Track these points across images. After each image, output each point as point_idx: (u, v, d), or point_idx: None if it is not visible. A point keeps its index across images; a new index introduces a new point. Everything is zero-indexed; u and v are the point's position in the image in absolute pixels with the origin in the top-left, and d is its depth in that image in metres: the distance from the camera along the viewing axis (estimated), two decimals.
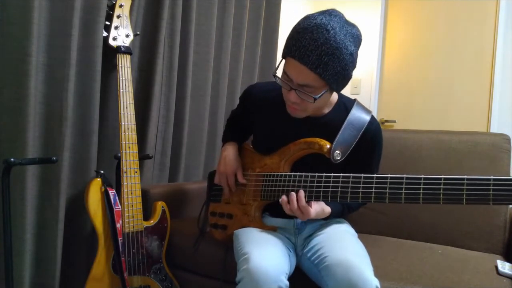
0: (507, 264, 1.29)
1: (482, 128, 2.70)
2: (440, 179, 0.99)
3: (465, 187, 0.96)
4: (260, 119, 1.35)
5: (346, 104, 1.27)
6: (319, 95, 1.10)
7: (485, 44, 2.71)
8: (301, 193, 1.13)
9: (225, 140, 1.45)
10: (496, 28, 2.67)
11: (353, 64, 1.10)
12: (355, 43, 1.09)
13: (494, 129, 2.65)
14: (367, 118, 1.24)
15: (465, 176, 0.96)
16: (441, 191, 0.98)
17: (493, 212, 1.54)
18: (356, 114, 1.23)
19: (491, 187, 0.93)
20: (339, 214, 1.27)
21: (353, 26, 1.11)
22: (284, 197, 1.14)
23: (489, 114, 2.69)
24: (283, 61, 1.15)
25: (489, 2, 2.70)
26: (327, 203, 1.20)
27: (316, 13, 1.11)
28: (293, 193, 1.14)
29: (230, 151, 1.37)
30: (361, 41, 1.13)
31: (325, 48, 1.04)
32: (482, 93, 2.71)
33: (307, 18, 1.09)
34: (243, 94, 1.43)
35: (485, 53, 2.71)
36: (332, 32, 1.04)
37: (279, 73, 1.17)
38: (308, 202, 1.13)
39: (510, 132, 1.74)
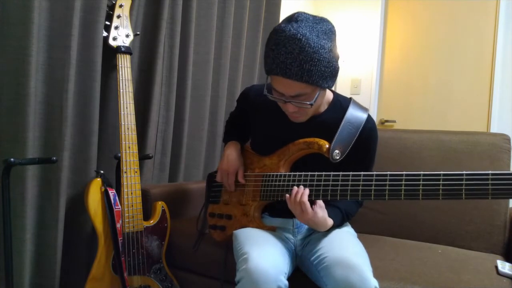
0: (507, 264, 1.29)
1: (482, 128, 2.70)
2: (439, 175, 0.99)
3: (464, 182, 0.96)
4: (258, 120, 1.35)
5: (342, 103, 1.28)
6: (314, 99, 1.11)
7: (485, 44, 2.71)
8: (306, 190, 1.13)
9: (227, 139, 1.45)
10: (496, 28, 2.67)
11: (335, 58, 1.10)
12: (329, 38, 1.08)
13: (494, 129, 2.65)
14: (364, 116, 1.24)
15: (464, 172, 0.97)
16: (440, 187, 0.98)
17: (493, 212, 1.54)
18: (353, 113, 1.24)
19: (489, 182, 0.94)
20: (340, 225, 1.26)
21: (322, 21, 1.09)
22: (287, 195, 1.15)
23: (489, 114, 2.68)
24: (269, 78, 1.15)
25: (489, 2, 2.70)
26: (329, 216, 1.18)
27: (283, 23, 1.09)
28: (296, 187, 1.14)
29: (232, 150, 1.36)
30: (334, 31, 1.12)
31: (303, 57, 1.04)
32: (482, 93, 2.71)
33: (276, 32, 1.08)
34: (241, 96, 1.44)
35: (485, 53, 2.71)
36: (304, 39, 1.03)
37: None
38: (313, 204, 1.12)
39: (510, 132, 1.74)
